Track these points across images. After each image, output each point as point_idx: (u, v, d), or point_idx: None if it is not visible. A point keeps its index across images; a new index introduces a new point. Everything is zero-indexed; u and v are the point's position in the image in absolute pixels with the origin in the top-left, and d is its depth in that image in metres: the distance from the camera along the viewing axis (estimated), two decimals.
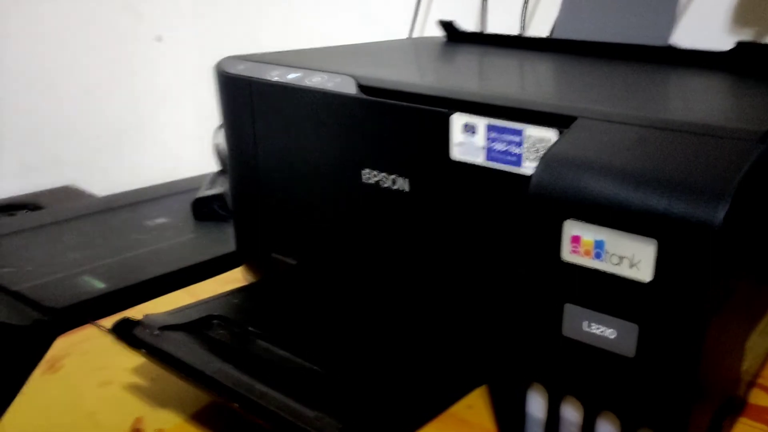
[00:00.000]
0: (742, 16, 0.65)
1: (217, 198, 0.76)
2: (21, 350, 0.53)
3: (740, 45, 0.52)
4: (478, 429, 0.42)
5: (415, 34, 0.89)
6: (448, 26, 0.68)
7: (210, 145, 0.96)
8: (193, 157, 1.21)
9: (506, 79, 0.48)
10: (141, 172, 1.16)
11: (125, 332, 0.44)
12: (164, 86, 1.21)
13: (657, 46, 0.58)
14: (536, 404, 0.38)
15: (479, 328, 0.45)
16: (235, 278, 0.62)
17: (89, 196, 0.99)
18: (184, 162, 1.22)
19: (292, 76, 0.50)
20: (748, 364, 0.41)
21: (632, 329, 0.33)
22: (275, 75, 0.51)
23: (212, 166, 0.93)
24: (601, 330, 0.34)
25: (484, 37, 0.68)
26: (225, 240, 0.69)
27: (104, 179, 1.08)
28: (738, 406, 0.42)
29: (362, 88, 0.46)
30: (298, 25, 1.05)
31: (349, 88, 0.47)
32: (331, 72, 0.49)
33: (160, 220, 0.75)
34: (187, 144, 1.22)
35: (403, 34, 0.89)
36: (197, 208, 0.76)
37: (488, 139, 0.40)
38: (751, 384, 0.45)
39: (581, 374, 0.35)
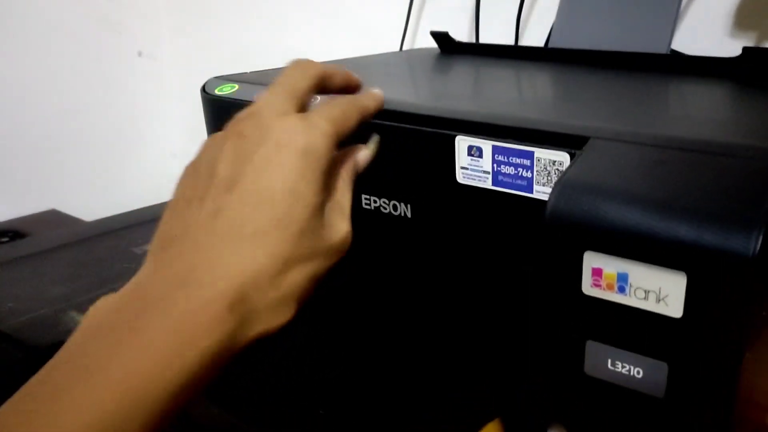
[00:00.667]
0: (743, 20, 0.64)
1: None
2: (3, 395, 0.50)
3: (746, 51, 0.50)
4: None
5: (407, 44, 0.87)
6: (441, 38, 0.66)
7: None
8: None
9: (510, 96, 0.46)
10: (127, 192, 1.13)
11: None
12: (148, 103, 1.18)
13: (660, 54, 0.56)
14: None
15: (491, 360, 0.43)
16: None
17: (74, 221, 0.95)
18: (173, 180, 1.19)
19: None
20: None
21: (661, 368, 0.31)
22: None
23: None
24: (627, 368, 0.32)
25: (478, 48, 0.66)
26: None
27: (89, 202, 1.05)
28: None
29: None
30: (285, 37, 1.03)
31: None
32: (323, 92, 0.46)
33: (149, 247, 0.72)
34: (175, 162, 1.19)
35: (393, 44, 0.87)
36: None
37: (495, 162, 0.38)
38: None
39: (605, 414, 0.33)
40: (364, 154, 0.36)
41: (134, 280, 0.30)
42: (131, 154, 1.17)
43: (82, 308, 0.59)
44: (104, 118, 1.13)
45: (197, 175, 0.32)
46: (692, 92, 0.48)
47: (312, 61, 0.36)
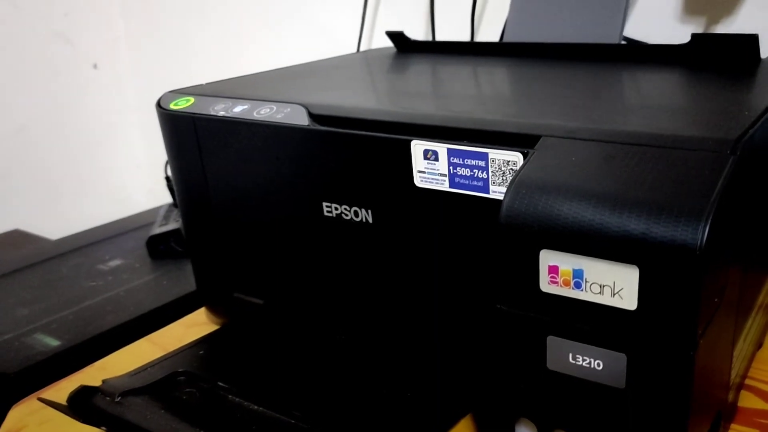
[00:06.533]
0: (692, 4, 0.65)
1: (173, 234, 0.72)
2: None
3: (695, 37, 0.51)
4: None
5: (364, 44, 0.87)
6: (397, 37, 0.66)
7: (162, 173, 0.93)
8: (146, 186, 1.17)
9: (463, 97, 0.46)
10: (92, 207, 1.12)
11: (83, 403, 0.41)
12: (107, 115, 1.16)
13: (610, 44, 0.57)
14: None
15: (458, 359, 0.43)
16: (199, 320, 0.59)
17: (39, 240, 0.94)
18: (137, 192, 1.18)
19: (238, 110, 0.47)
20: (737, 370, 0.40)
21: (620, 359, 0.31)
22: (220, 109, 0.48)
23: (166, 195, 0.90)
24: (588, 362, 0.32)
25: (434, 46, 0.67)
26: (185, 279, 0.66)
27: (53, 219, 1.03)
28: (729, 414, 0.41)
29: (314, 117, 0.44)
30: (244, 43, 1.02)
31: (301, 119, 0.44)
32: (280, 102, 0.46)
33: (115, 263, 0.71)
34: (139, 173, 1.18)
35: (351, 45, 0.87)
36: (152, 246, 0.72)
37: (451, 164, 0.38)
38: (740, 386, 0.44)
39: (570, 407, 0.34)
40: None
41: None
42: (95, 167, 1.16)
43: (49, 330, 0.58)
44: (62, 134, 1.11)
45: None
46: (642, 82, 0.49)
47: None
